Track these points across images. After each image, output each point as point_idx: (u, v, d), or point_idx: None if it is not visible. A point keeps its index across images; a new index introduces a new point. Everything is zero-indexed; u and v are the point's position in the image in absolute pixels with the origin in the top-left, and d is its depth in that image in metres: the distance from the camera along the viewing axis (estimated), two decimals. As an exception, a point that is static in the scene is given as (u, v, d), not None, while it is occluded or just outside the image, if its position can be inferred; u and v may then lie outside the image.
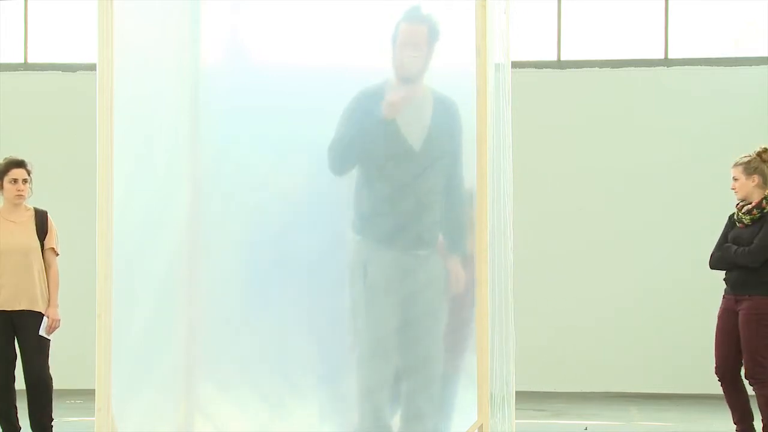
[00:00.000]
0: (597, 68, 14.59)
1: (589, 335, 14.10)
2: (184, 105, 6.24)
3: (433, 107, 6.11)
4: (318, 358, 6.20)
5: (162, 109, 6.19)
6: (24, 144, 12.49)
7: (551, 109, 14.34)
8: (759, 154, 8.11)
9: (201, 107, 6.26)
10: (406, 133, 6.04)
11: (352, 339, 6.09)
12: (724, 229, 8.22)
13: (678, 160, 13.93)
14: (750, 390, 8.05)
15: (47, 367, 8.26)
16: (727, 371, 8.02)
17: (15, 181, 8.33)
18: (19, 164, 8.39)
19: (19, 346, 8.30)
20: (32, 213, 8.37)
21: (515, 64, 6.54)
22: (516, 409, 6.39)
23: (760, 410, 7.91)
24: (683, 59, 14.50)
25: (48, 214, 8.41)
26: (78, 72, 14.60)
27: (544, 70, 14.61)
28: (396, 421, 6.06)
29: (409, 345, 6.05)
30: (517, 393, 6.44)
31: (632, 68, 14.53)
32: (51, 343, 8.31)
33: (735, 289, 8.01)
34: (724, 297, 8.14)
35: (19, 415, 8.34)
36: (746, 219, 8.05)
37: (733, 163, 8.18)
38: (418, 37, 6.03)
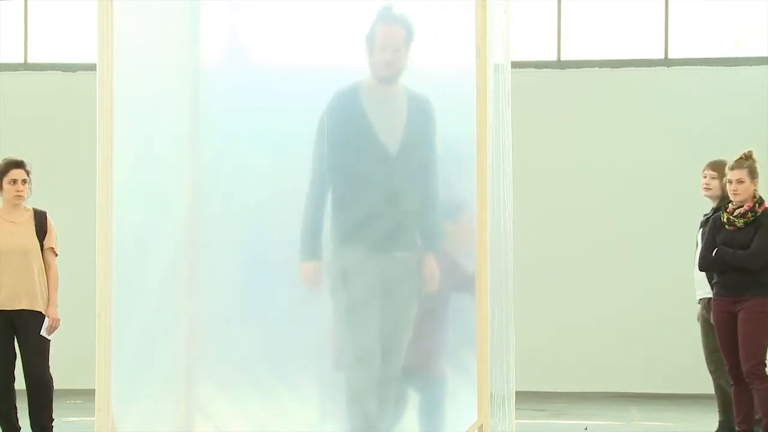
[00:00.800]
0: (597, 68, 14.59)
1: (589, 335, 14.10)
2: (184, 105, 6.24)
3: (408, 107, 6.12)
4: (318, 358, 6.20)
5: (162, 109, 6.19)
6: (24, 144, 12.50)
7: (551, 109, 14.34)
8: (748, 157, 8.13)
9: (201, 107, 6.26)
10: (382, 137, 6.05)
11: (337, 346, 6.09)
12: (709, 231, 8.21)
13: (678, 160, 13.92)
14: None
15: (47, 367, 8.26)
16: (739, 372, 8.04)
17: (14, 181, 8.32)
18: (18, 165, 8.39)
19: (19, 346, 8.30)
20: (31, 213, 8.37)
21: (515, 64, 6.54)
22: (516, 409, 6.39)
23: (760, 405, 7.93)
24: (683, 59, 14.50)
25: (47, 215, 8.41)
26: (78, 72, 14.59)
27: (544, 70, 14.60)
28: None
29: (394, 346, 6.06)
30: (517, 393, 6.44)
31: (632, 68, 14.53)
32: (51, 343, 8.31)
33: (731, 291, 8.03)
34: (716, 300, 8.15)
35: (19, 415, 8.34)
36: (740, 222, 8.06)
37: (731, 166, 8.15)
38: (397, 38, 6.05)
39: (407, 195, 6.06)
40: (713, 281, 8.23)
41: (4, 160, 8.48)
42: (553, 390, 13.65)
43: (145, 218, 6.10)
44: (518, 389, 6.45)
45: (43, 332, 8.19)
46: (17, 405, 8.33)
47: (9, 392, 8.32)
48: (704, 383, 9.53)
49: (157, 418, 6.11)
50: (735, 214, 8.09)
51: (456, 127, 6.15)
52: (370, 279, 6.00)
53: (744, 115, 13.95)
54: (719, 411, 8.83)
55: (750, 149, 8.18)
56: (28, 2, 15.16)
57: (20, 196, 8.34)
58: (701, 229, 8.64)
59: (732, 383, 8.16)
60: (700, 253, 8.27)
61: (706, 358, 8.87)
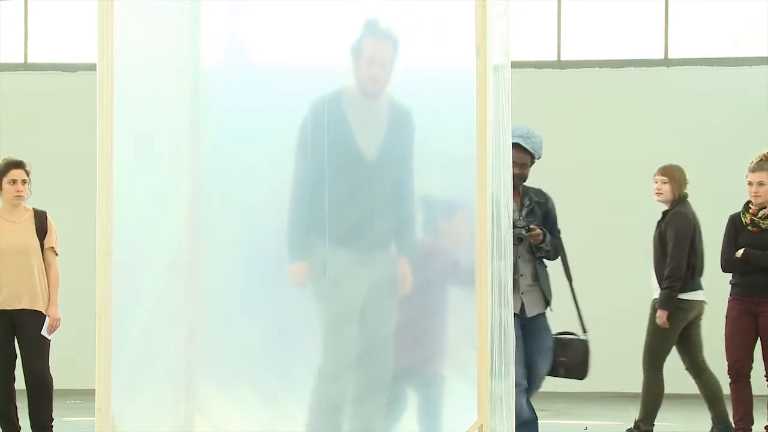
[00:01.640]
0: (597, 68, 14.59)
1: (589, 335, 14.08)
2: (184, 105, 6.24)
3: (388, 118, 6.14)
4: (318, 358, 6.19)
5: (162, 109, 6.18)
6: (24, 144, 12.49)
7: (551, 109, 14.33)
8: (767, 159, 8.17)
9: (201, 107, 6.25)
10: (360, 143, 6.06)
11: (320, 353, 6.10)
12: (728, 233, 8.24)
13: (678, 160, 13.89)
14: (754, 390, 8.09)
15: (47, 367, 8.27)
16: (741, 370, 8.05)
17: (14, 181, 8.33)
18: (18, 165, 8.40)
19: (19, 346, 8.31)
20: (31, 213, 8.38)
21: (515, 64, 6.53)
22: (516, 409, 6.38)
23: None
24: (683, 59, 14.50)
25: (47, 214, 8.42)
26: (78, 72, 14.59)
27: (544, 70, 14.60)
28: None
29: (376, 350, 6.07)
30: (518, 393, 6.44)
31: (632, 68, 14.53)
32: (51, 343, 8.31)
33: (756, 291, 8.08)
34: (736, 299, 8.17)
35: (19, 415, 8.35)
36: (765, 224, 8.10)
37: (752, 168, 8.18)
38: (385, 54, 6.06)
39: (383, 201, 6.08)
40: (732, 282, 8.25)
41: (4, 160, 8.49)
42: (553, 390, 13.63)
43: (145, 218, 6.09)
44: (518, 389, 6.45)
45: (43, 332, 8.20)
46: (17, 404, 8.34)
47: (9, 392, 8.32)
48: (704, 383, 9.53)
49: (157, 418, 6.11)
50: (759, 215, 8.12)
51: (456, 127, 6.14)
52: (349, 281, 6.02)
53: (744, 115, 13.95)
54: (640, 408, 8.95)
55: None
56: (28, 2, 15.16)
57: (20, 196, 8.35)
58: (657, 230, 8.76)
59: (731, 381, 8.15)
60: (723, 255, 8.31)
61: (648, 357, 8.99)
